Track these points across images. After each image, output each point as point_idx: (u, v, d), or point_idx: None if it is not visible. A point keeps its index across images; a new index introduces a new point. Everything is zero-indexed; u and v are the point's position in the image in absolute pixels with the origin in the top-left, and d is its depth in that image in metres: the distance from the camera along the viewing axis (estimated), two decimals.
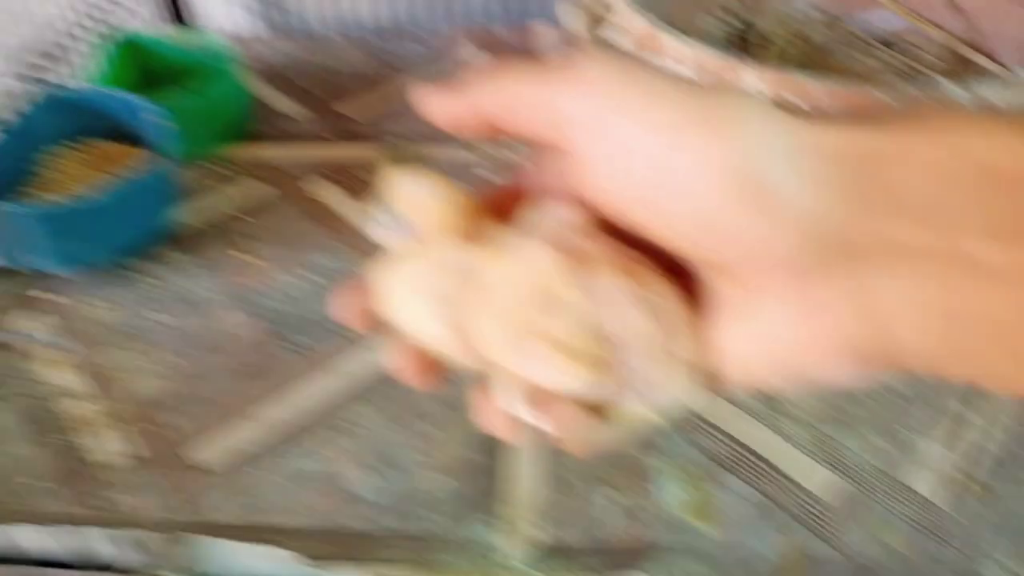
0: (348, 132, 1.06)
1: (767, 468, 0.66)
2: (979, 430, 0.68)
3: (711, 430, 0.69)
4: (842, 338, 0.22)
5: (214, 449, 0.67)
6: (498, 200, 0.28)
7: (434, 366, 0.27)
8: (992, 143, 0.19)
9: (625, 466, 0.66)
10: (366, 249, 0.87)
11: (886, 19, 0.96)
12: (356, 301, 0.28)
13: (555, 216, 0.26)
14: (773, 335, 0.23)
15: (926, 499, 0.64)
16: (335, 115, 1.09)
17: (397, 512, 0.63)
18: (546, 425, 0.24)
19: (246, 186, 0.96)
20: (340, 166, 1.00)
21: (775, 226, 0.21)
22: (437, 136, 1.04)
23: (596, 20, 0.84)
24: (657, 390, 0.24)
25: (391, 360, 0.27)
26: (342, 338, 0.77)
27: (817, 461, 0.66)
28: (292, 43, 1.23)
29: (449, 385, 0.70)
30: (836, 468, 0.66)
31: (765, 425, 0.69)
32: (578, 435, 0.25)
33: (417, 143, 1.03)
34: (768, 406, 0.70)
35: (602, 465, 0.66)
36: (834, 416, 0.70)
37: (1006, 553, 0.60)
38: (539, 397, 0.25)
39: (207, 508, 0.63)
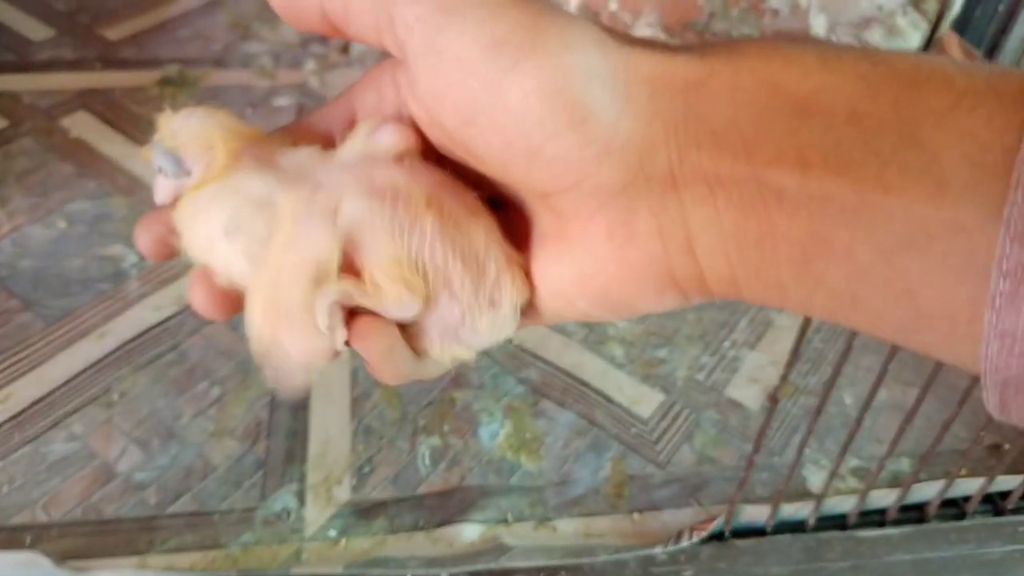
0: (114, 59, 0.91)
1: (592, 393, 0.63)
2: (791, 335, 0.69)
3: (535, 360, 0.64)
4: (655, 267, 0.22)
5: None
6: (322, 125, 0.25)
7: (231, 299, 0.24)
8: (794, 72, 0.19)
9: (443, 411, 0.61)
10: (130, 188, 0.76)
11: None
12: (160, 229, 0.24)
13: (382, 139, 0.24)
14: (590, 265, 0.22)
15: (749, 409, 0.63)
16: (97, 39, 0.94)
17: (180, 492, 0.54)
18: (341, 344, 0.22)
19: None
20: (104, 97, 0.86)
21: (595, 153, 0.20)
22: (218, 60, 0.93)
23: None
24: (476, 334, 0.24)
25: (190, 292, 0.23)
26: (108, 297, 0.66)
27: (642, 382, 0.64)
28: None
29: (239, 340, 0.62)
30: (660, 387, 0.64)
31: (589, 350, 0.66)
32: (384, 359, 0.23)
33: (195, 68, 0.90)
34: (591, 331, 0.67)
35: (418, 412, 0.60)
36: (656, 335, 0.67)
37: (824, 453, 0.61)
38: (355, 321, 0.23)
39: None
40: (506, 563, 0.50)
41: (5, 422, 0.57)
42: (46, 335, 0.63)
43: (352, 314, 0.24)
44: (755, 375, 0.66)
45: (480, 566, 0.49)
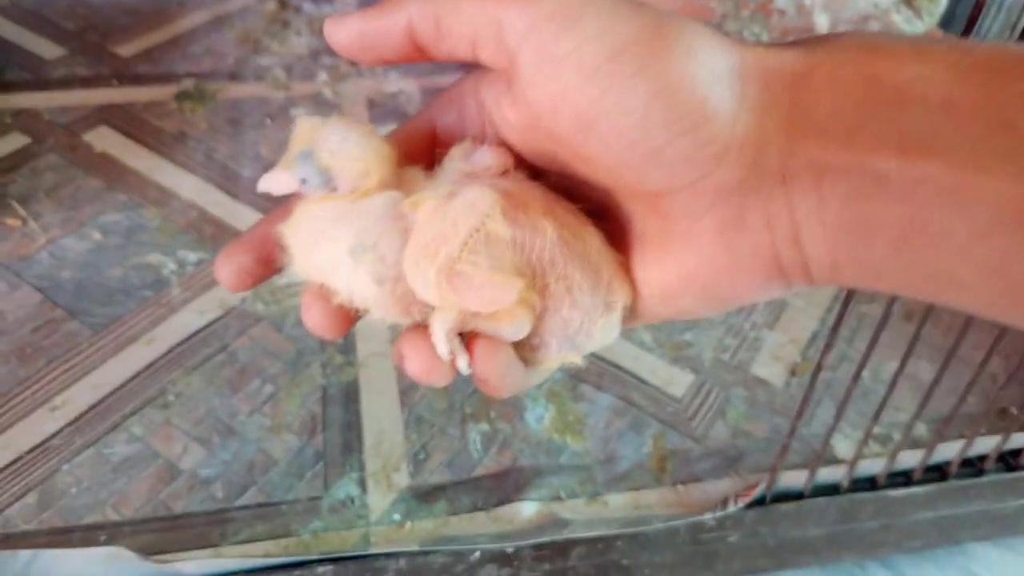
0: (129, 74, 0.93)
1: (627, 376, 0.66)
2: (806, 315, 0.73)
3: None
4: (763, 259, 0.22)
5: (10, 448, 0.57)
6: (400, 147, 0.26)
7: (348, 317, 0.24)
8: (891, 63, 0.20)
9: (488, 399, 0.63)
10: (161, 200, 0.77)
11: None
12: (245, 259, 0.25)
13: (482, 160, 0.24)
14: (697, 263, 0.23)
15: (775, 386, 0.67)
16: (110, 56, 0.95)
17: (246, 485, 0.56)
18: (467, 368, 0.23)
19: (5, 140, 0.82)
20: (122, 112, 0.87)
21: (715, 151, 0.21)
22: (232, 74, 0.95)
23: None
24: (590, 339, 0.24)
25: (305, 312, 0.24)
26: (152, 303, 0.68)
27: (672, 364, 0.67)
28: None
29: (285, 340, 0.64)
30: (690, 368, 0.67)
31: (620, 337, 0.69)
32: (502, 377, 0.23)
33: (211, 82, 0.92)
34: None
35: (464, 400, 0.63)
36: (682, 321, 0.71)
37: (847, 422, 0.65)
38: (469, 337, 0.24)
39: (15, 517, 0.53)
40: (569, 535, 0.53)
41: (65, 427, 0.59)
42: (94, 342, 0.65)
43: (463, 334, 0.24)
44: (776, 353, 0.70)
45: (546, 539, 0.52)
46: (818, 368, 0.49)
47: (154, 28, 1.02)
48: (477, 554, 0.52)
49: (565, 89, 0.22)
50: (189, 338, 0.66)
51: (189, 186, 0.79)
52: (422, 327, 0.24)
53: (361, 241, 0.24)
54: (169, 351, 0.64)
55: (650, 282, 0.24)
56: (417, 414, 0.62)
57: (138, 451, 0.58)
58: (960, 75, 0.19)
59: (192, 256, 0.73)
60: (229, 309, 0.68)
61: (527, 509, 0.56)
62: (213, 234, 0.75)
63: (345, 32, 0.25)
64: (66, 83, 0.91)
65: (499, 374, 0.24)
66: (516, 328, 0.24)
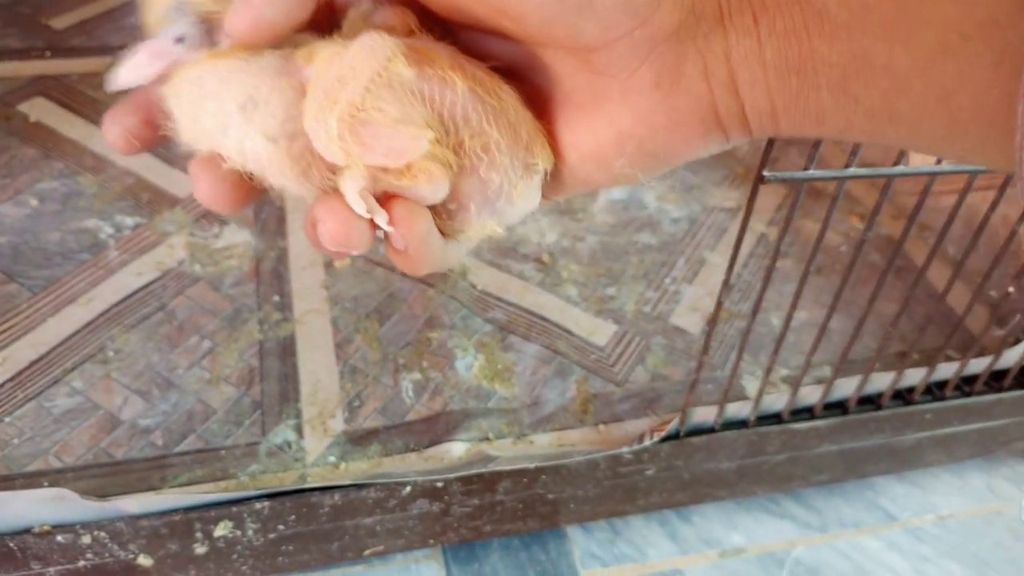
0: (63, 47, 0.93)
1: (553, 327, 0.69)
2: (723, 270, 0.77)
3: (499, 303, 0.71)
4: (701, 110, 0.21)
5: None
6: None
7: (243, 186, 0.23)
8: None
9: (420, 350, 0.66)
10: (97, 167, 0.79)
11: None
12: (131, 120, 0.23)
13: (383, 19, 0.23)
14: (631, 121, 0.22)
15: (692, 334, 0.71)
16: (43, 28, 0.95)
17: (185, 433, 0.58)
18: (388, 224, 0.22)
19: None
20: (57, 83, 0.88)
21: None
22: None
23: None
24: (511, 203, 0.23)
25: (195, 184, 0.23)
26: (90, 266, 0.69)
27: (595, 315, 0.71)
28: None
29: (222, 299, 0.66)
30: (612, 319, 0.71)
31: (547, 291, 0.72)
32: (422, 242, 0.22)
33: None
34: (547, 275, 0.74)
35: (397, 352, 0.66)
36: (605, 276, 0.75)
37: (759, 366, 0.69)
38: (384, 199, 0.22)
39: None
40: (494, 468, 0.56)
41: (6, 382, 0.60)
42: (34, 303, 0.66)
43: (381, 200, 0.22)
44: (694, 305, 0.74)
45: (473, 471, 0.55)
46: (718, 306, 0.53)
47: (87, 1, 1.02)
48: (408, 488, 0.55)
49: None
50: (127, 298, 0.67)
51: None
52: (336, 193, 0.22)
53: (251, 96, 0.22)
54: (107, 310, 0.66)
55: (581, 145, 0.23)
56: (352, 365, 0.65)
57: (79, 403, 0.59)
58: None
59: (129, 221, 0.74)
60: (167, 271, 0.70)
61: (456, 449, 0.59)
62: (150, 199, 0.76)
63: None
64: None
65: (418, 239, 0.22)
66: (433, 187, 0.22)
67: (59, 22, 0.98)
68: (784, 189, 0.86)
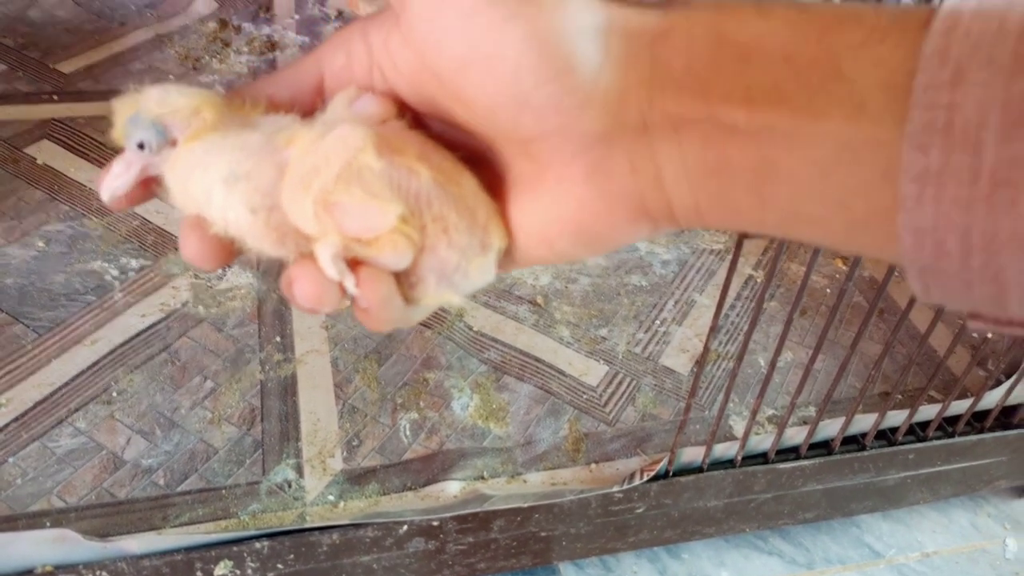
0: (71, 91, 0.96)
1: (546, 368, 0.71)
2: (712, 312, 0.79)
3: (494, 344, 0.73)
4: (630, 201, 0.24)
5: None
6: (286, 87, 0.27)
7: (225, 249, 0.25)
8: (736, 22, 0.22)
9: (418, 390, 0.68)
10: (103, 209, 0.81)
11: None
12: (124, 179, 0.25)
13: (365, 107, 0.26)
14: (568, 206, 0.24)
15: (681, 375, 0.73)
16: (51, 72, 0.98)
17: (187, 473, 0.60)
18: (355, 288, 0.24)
19: None
20: (64, 126, 0.90)
21: (579, 101, 0.22)
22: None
23: None
24: (466, 278, 0.26)
25: (183, 243, 0.25)
26: (95, 308, 0.71)
27: (587, 356, 0.73)
28: None
29: (225, 340, 0.68)
30: (603, 359, 0.73)
31: (541, 332, 0.74)
32: (384, 305, 0.25)
33: None
34: (540, 316, 0.76)
35: (395, 392, 0.67)
36: (597, 317, 0.77)
37: (745, 406, 0.71)
38: (352, 264, 0.25)
39: None
40: (488, 507, 0.57)
41: (10, 423, 0.62)
42: (39, 344, 0.68)
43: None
44: (683, 346, 0.76)
45: (468, 510, 0.57)
46: (705, 349, 0.55)
47: (95, 46, 1.04)
48: (405, 527, 0.56)
49: (447, 28, 0.23)
50: (132, 339, 0.69)
51: None
52: (310, 256, 0.25)
53: (233, 170, 0.24)
54: (112, 351, 0.68)
55: (527, 226, 0.26)
56: (351, 405, 0.66)
57: (82, 444, 0.61)
58: (798, 31, 0.21)
59: (134, 263, 0.76)
60: (171, 312, 0.72)
61: (452, 487, 0.61)
62: (154, 242, 0.78)
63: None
64: (7, 98, 0.93)
65: (381, 300, 0.25)
66: (398, 256, 0.25)
67: (67, 66, 1.00)
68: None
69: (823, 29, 0.20)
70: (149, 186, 0.26)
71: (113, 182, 0.25)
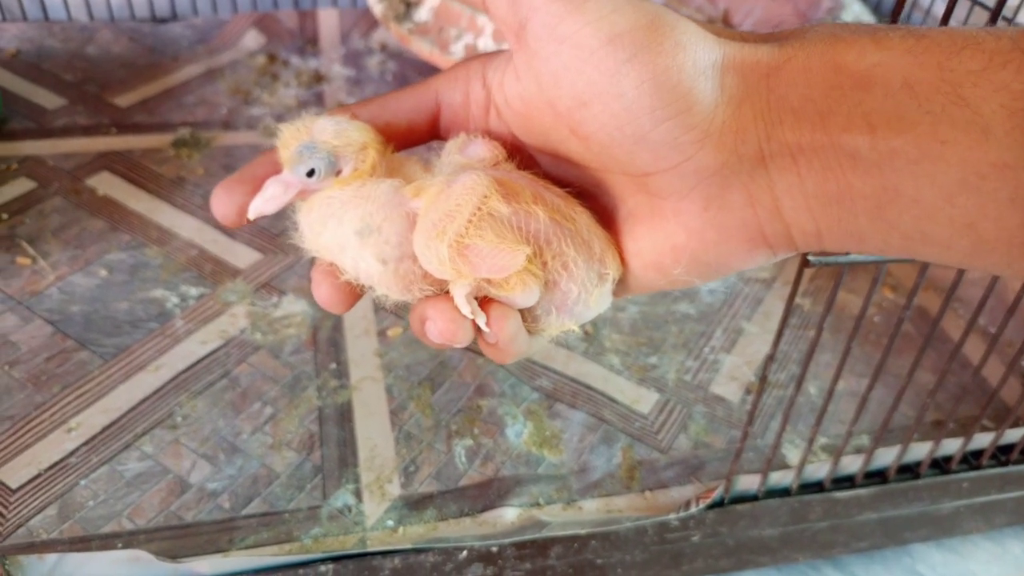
0: (127, 123, 0.99)
1: (598, 396, 0.72)
2: (760, 340, 0.80)
3: (545, 371, 0.74)
4: (748, 230, 0.24)
5: (32, 465, 0.61)
6: (403, 111, 0.28)
7: (354, 294, 0.27)
8: (853, 52, 0.22)
9: (472, 417, 0.69)
10: (162, 239, 0.83)
11: None
12: (238, 198, 0.26)
13: (476, 152, 0.27)
14: (684, 235, 0.25)
15: (732, 402, 0.73)
16: (108, 106, 1.01)
17: (251, 497, 0.61)
18: (486, 325, 0.26)
19: (12, 185, 0.87)
20: (122, 158, 0.93)
21: (696, 137, 0.23)
22: (226, 123, 1.01)
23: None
24: (587, 308, 0.27)
25: (315, 288, 0.27)
26: (157, 335, 0.73)
27: (638, 384, 0.74)
28: (42, 31, 1.11)
29: (282, 367, 0.69)
30: (654, 387, 0.74)
31: (591, 360, 0.75)
32: (512, 340, 0.26)
33: (205, 131, 0.98)
34: (590, 344, 0.77)
35: (450, 419, 0.68)
36: (646, 345, 0.77)
37: (798, 435, 0.71)
38: (482, 303, 0.26)
39: (37, 528, 0.57)
40: (547, 533, 0.58)
41: (80, 447, 0.63)
42: (105, 370, 0.69)
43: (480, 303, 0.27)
44: (733, 374, 0.76)
45: (526, 537, 0.57)
46: (763, 379, 0.56)
47: (149, 80, 1.08)
48: (465, 553, 0.57)
49: (566, 66, 0.23)
50: (193, 366, 0.71)
51: (188, 226, 0.85)
52: (442, 296, 0.26)
53: (367, 224, 0.25)
54: (175, 377, 0.70)
55: (643, 255, 0.26)
56: (407, 432, 0.67)
57: (149, 467, 0.62)
58: (916, 59, 0.21)
59: (194, 291, 0.78)
60: (230, 339, 0.74)
61: (509, 514, 0.62)
62: (212, 271, 0.81)
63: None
64: (68, 131, 0.97)
65: (508, 336, 0.26)
66: (527, 294, 0.26)
67: (123, 100, 1.04)
68: None
69: (943, 56, 0.20)
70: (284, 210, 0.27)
71: (268, 203, 0.26)
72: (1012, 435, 0.70)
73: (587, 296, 0.27)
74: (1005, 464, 0.70)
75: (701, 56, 0.22)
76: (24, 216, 0.83)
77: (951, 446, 0.68)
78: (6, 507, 0.58)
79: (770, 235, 0.24)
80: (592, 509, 0.63)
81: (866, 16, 1.02)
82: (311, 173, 0.26)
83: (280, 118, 1.02)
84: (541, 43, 0.23)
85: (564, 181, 0.27)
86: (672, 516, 0.61)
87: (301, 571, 0.55)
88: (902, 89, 0.21)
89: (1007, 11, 0.89)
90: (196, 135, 0.97)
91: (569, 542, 0.59)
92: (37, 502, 0.59)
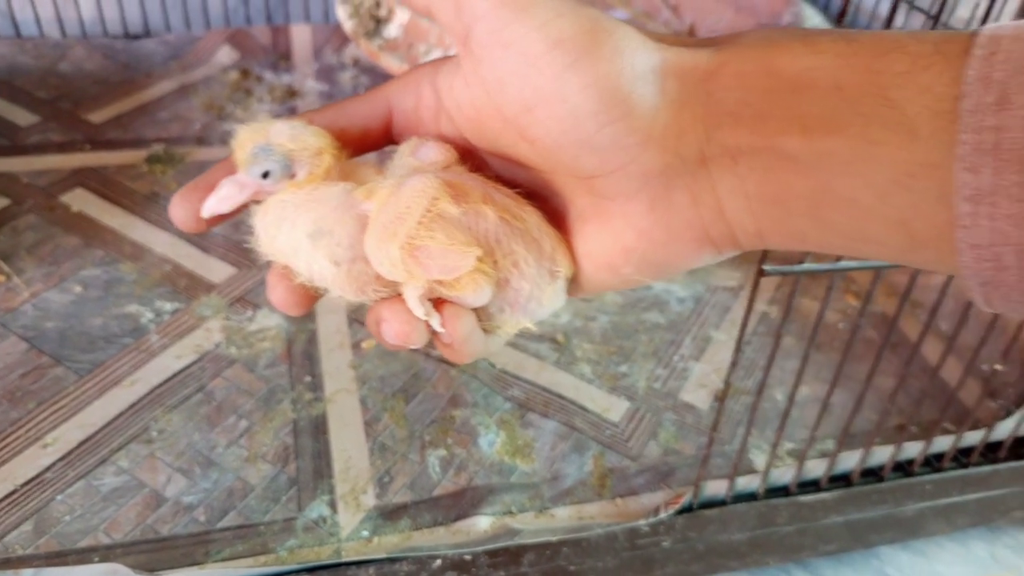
0: (101, 140, 0.99)
1: (570, 404, 0.73)
2: (728, 347, 0.81)
3: (517, 381, 0.75)
4: (693, 230, 0.25)
5: (7, 482, 0.62)
6: (358, 116, 0.29)
7: (309, 296, 0.27)
8: (787, 56, 0.22)
9: (445, 427, 0.70)
10: (136, 255, 0.83)
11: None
12: (196, 204, 0.27)
13: (428, 155, 0.27)
14: (633, 235, 0.25)
15: (699, 408, 0.75)
16: (82, 123, 1.01)
17: (226, 510, 0.62)
18: (440, 326, 0.26)
19: None
20: (96, 174, 0.93)
21: (639, 140, 0.23)
22: (199, 139, 1.02)
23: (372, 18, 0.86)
24: (538, 304, 0.27)
25: (270, 291, 0.27)
26: (132, 350, 0.73)
27: (609, 392, 0.75)
28: (15, 48, 1.11)
29: (257, 380, 0.70)
30: (625, 395, 0.75)
31: (562, 370, 0.77)
32: (467, 340, 0.26)
33: (179, 147, 0.99)
34: (562, 354, 0.78)
35: (423, 429, 0.69)
36: (616, 354, 0.79)
37: (765, 440, 0.73)
38: (436, 304, 0.26)
39: (13, 543, 0.57)
40: (520, 541, 0.59)
41: (57, 462, 0.64)
42: (80, 385, 0.70)
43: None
44: (702, 381, 0.78)
45: (499, 544, 0.58)
46: (726, 387, 0.58)
47: (123, 97, 1.08)
48: (439, 562, 0.58)
49: (512, 72, 0.23)
50: (168, 380, 0.71)
51: (162, 242, 0.86)
52: (398, 298, 0.27)
53: (319, 227, 0.26)
54: (150, 392, 0.70)
55: (594, 255, 0.27)
56: (381, 443, 0.68)
57: (125, 482, 0.63)
58: (846, 62, 0.21)
59: (168, 306, 0.79)
60: (204, 353, 0.74)
61: (482, 522, 0.63)
62: (187, 285, 0.81)
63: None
64: (41, 148, 0.97)
65: (463, 336, 0.26)
66: (478, 294, 0.26)
67: (97, 116, 1.04)
68: None
69: (871, 59, 0.21)
70: (238, 213, 0.27)
71: (221, 202, 0.26)
72: (972, 437, 0.72)
73: (540, 293, 0.27)
74: (966, 466, 0.72)
75: (640, 61, 0.23)
76: (3, 234, 0.84)
77: (913, 449, 0.70)
78: None
79: (715, 235, 0.25)
80: (564, 516, 0.64)
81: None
82: (266, 175, 0.26)
83: None
84: (487, 49, 0.23)
85: (515, 183, 0.27)
86: (642, 522, 0.62)
87: None
88: (834, 92, 0.21)
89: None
90: (170, 151, 0.98)
91: (542, 549, 0.60)
92: (13, 518, 0.59)
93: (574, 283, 0.28)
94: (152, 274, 0.82)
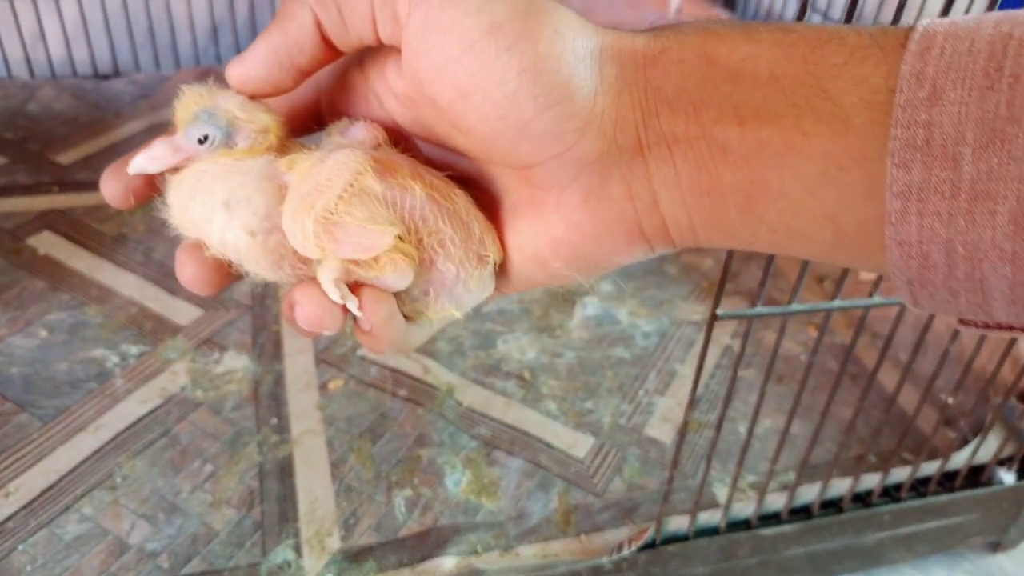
0: (69, 181, 0.99)
1: (535, 441, 0.74)
2: (688, 381, 0.82)
3: (484, 419, 0.76)
4: (626, 224, 0.24)
5: None
6: (284, 107, 0.27)
7: (222, 272, 0.26)
8: (725, 46, 0.22)
9: (412, 467, 0.70)
10: (103, 298, 0.84)
11: None
12: (127, 179, 0.26)
13: (356, 134, 0.27)
14: (565, 229, 0.25)
15: (663, 443, 0.76)
16: (50, 164, 1.02)
17: (190, 556, 0.62)
18: (358, 309, 0.25)
19: None
20: (64, 216, 0.93)
21: (577, 126, 0.23)
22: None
23: None
24: (465, 290, 0.26)
25: (179, 269, 0.26)
26: (97, 394, 0.73)
27: (574, 429, 0.76)
28: None
29: (223, 423, 0.70)
30: (590, 431, 0.76)
31: (528, 407, 0.77)
32: (386, 325, 0.25)
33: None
34: (528, 391, 0.79)
35: (390, 470, 0.70)
36: (582, 390, 0.80)
37: (727, 473, 0.74)
38: (355, 287, 0.25)
39: None
40: None
41: (19, 511, 0.63)
42: (44, 432, 0.70)
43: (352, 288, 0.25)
44: (667, 416, 0.79)
45: None
46: (685, 423, 0.59)
47: (92, 137, 1.09)
48: None
49: (447, 59, 0.22)
50: (133, 425, 0.71)
51: (129, 284, 0.86)
52: (313, 280, 0.25)
53: (235, 194, 0.24)
54: (115, 437, 0.70)
55: (523, 248, 0.26)
56: (347, 484, 0.69)
57: (89, 529, 0.63)
58: (783, 52, 0.21)
59: (134, 349, 0.79)
60: (170, 397, 0.74)
61: (447, 563, 0.63)
62: (153, 328, 0.81)
63: (256, 60, 0.25)
64: (8, 190, 0.97)
65: (383, 321, 0.25)
66: (398, 276, 0.25)
67: (65, 157, 1.04)
68: (744, 303, 0.92)
69: (808, 50, 0.21)
70: (156, 184, 0.26)
71: (151, 162, 0.25)
72: (929, 468, 0.73)
73: (467, 277, 0.26)
74: (924, 495, 0.74)
75: (580, 44, 0.23)
76: None
77: (871, 480, 0.71)
78: None
79: (647, 229, 0.24)
80: (529, 555, 0.65)
81: None
82: (204, 140, 0.25)
83: None
84: (422, 39, 0.23)
85: (449, 169, 0.26)
86: (605, 559, 0.63)
87: None
88: (769, 82, 0.21)
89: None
90: None
91: None
92: None
93: (502, 276, 0.27)
94: (118, 317, 0.82)
